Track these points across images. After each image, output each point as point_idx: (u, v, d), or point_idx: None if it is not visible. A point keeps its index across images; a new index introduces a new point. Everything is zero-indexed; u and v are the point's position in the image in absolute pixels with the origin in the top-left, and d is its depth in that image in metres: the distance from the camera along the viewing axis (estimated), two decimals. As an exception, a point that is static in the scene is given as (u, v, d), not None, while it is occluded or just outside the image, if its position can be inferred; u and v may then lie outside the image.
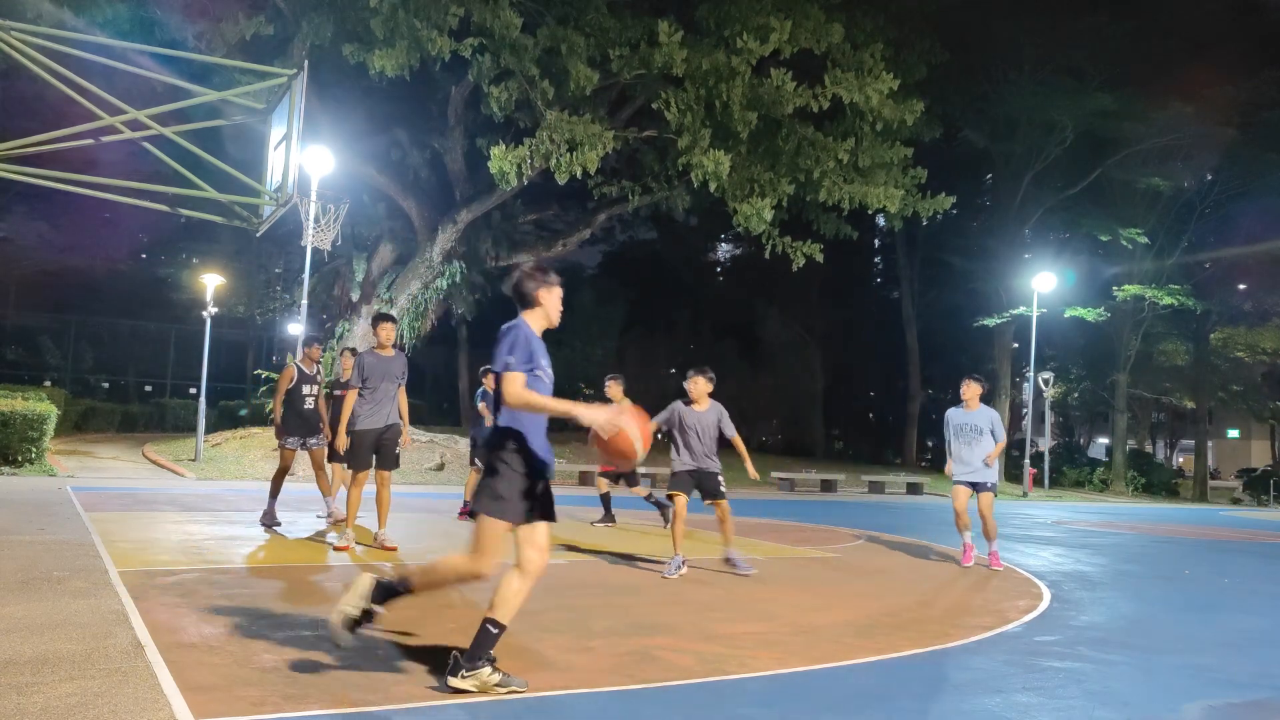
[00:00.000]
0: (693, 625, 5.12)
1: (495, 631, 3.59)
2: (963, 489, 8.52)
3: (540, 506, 3.70)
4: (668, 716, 3.49)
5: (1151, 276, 29.58)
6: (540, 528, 3.72)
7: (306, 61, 10.42)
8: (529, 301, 3.87)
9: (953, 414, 8.69)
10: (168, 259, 34.01)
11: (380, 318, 7.58)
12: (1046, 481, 28.94)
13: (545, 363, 3.79)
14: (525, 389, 3.60)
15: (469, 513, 10.33)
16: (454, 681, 3.54)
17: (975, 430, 8.45)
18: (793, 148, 18.58)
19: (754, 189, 18.28)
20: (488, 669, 3.57)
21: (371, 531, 7.87)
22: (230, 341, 33.92)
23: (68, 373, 30.70)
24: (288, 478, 8.79)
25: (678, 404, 7.25)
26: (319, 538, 8.14)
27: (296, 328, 16.93)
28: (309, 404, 8.82)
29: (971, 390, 8.59)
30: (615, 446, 3.61)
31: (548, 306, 3.90)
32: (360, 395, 7.40)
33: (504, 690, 3.55)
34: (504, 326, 3.76)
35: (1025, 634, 5.37)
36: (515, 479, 3.64)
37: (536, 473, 3.69)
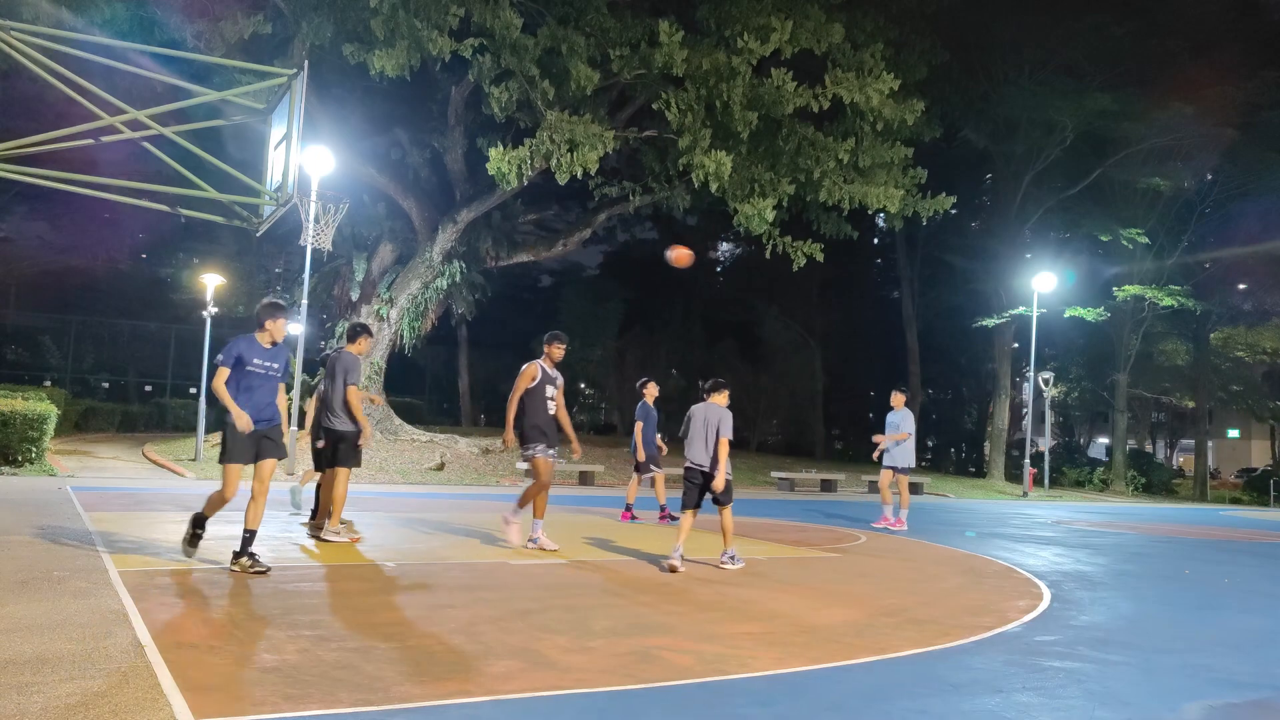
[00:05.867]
0: (693, 625, 5.12)
1: None
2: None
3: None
4: (668, 716, 3.49)
5: (1151, 276, 29.58)
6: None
7: (306, 61, 10.42)
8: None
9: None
10: (168, 259, 34.00)
11: (365, 330, 7.97)
12: (1046, 481, 28.95)
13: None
14: None
15: (670, 516, 10.77)
16: None
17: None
18: (793, 148, 18.59)
19: (754, 189, 18.28)
20: None
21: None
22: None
23: (68, 373, 30.68)
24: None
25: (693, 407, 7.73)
26: (316, 535, 8.13)
27: (296, 327, 16.92)
28: (551, 409, 7.81)
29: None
30: None
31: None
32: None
33: None
34: None
35: (1025, 634, 5.37)
36: None
37: None
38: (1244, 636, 5.77)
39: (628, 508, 11.24)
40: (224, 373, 6.23)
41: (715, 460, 7.23)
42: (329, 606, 5.15)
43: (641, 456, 10.80)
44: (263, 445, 6.25)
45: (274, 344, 6.35)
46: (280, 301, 6.58)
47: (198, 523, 6.33)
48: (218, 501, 6.25)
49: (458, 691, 3.60)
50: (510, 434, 7.71)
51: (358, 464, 7.83)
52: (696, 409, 7.57)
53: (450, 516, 10.77)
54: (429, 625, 4.76)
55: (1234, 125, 26.58)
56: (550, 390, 7.78)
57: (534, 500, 7.75)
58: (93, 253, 28.94)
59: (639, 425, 10.84)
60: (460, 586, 6.04)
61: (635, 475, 11.14)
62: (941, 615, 5.83)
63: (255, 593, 5.43)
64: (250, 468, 6.21)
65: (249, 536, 6.13)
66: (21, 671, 3.55)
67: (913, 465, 12.36)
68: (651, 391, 11.04)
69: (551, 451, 7.74)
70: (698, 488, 7.33)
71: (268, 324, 6.29)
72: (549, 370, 7.84)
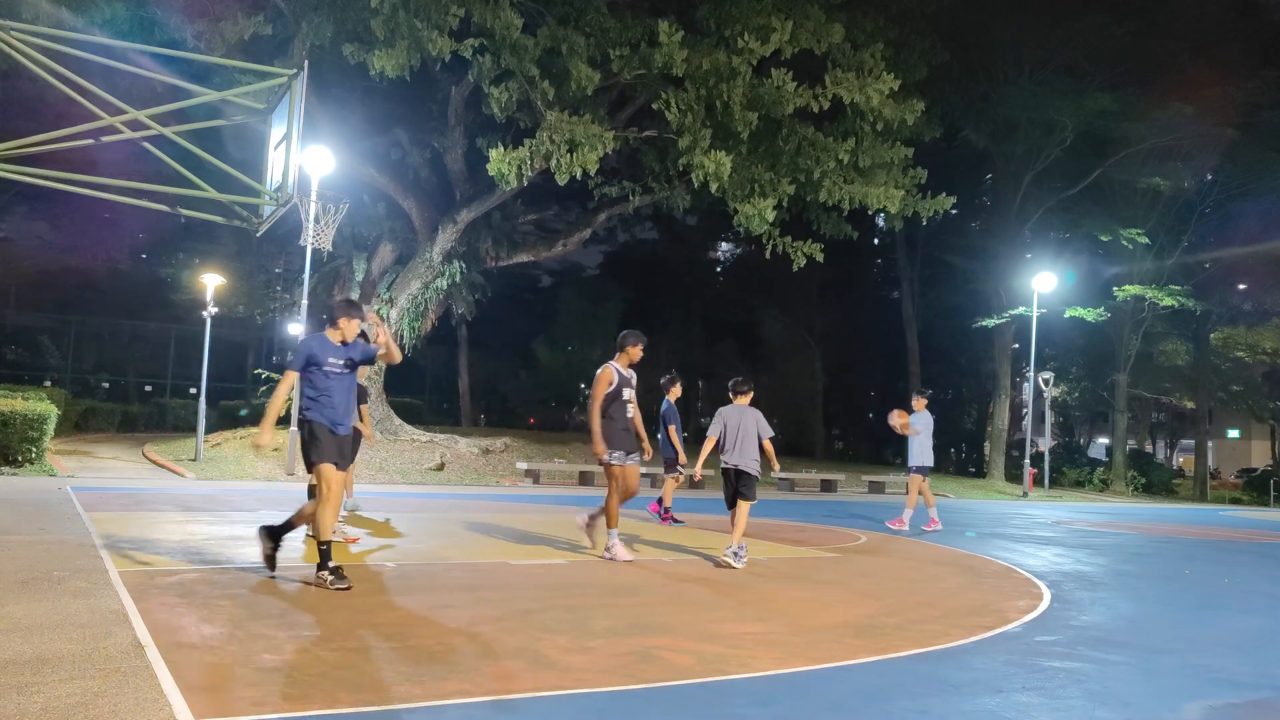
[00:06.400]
0: (693, 625, 5.12)
1: None
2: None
3: None
4: (668, 716, 3.49)
5: (1151, 276, 29.57)
6: None
7: (306, 61, 10.43)
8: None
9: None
10: (168, 259, 34.01)
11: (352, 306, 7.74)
12: (1046, 481, 28.94)
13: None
14: None
15: (672, 518, 10.77)
16: None
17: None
18: (793, 148, 18.58)
19: (754, 189, 18.28)
20: None
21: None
22: (230, 341, 33.90)
23: (68, 373, 30.69)
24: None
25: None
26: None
27: (297, 328, 16.94)
28: (630, 412, 7.47)
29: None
30: None
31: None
32: None
33: None
34: None
35: (1025, 634, 5.37)
36: None
37: None
38: (1244, 636, 5.77)
39: (666, 510, 10.97)
40: (290, 376, 5.87)
41: (763, 457, 7.62)
42: (329, 606, 5.14)
43: (684, 459, 10.68)
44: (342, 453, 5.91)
45: (344, 342, 5.96)
46: (354, 299, 6.36)
47: (322, 559, 5.73)
48: (329, 507, 5.77)
49: (458, 691, 3.60)
50: (600, 445, 7.20)
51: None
52: (729, 413, 7.64)
53: (450, 517, 10.77)
54: (429, 625, 4.77)
55: (1234, 125, 26.57)
56: (627, 393, 7.38)
57: (610, 510, 7.41)
58: (93, 253, 28.94)
59: (672, 427, 10.69)
60: (461, 586, 6.04)
61: (668, 476, 10.95)
62: (941, 615, 5.83)
63: (255, 593, 5.43)
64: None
65: (287, 527, 5.98)
66: (21, 671, 3.55)
67: (927, 464, 12.23)
68: (676, 391, 10.86)
69: (633, 458, 7.38)
70: (733, 486, 7.65)
71: (341, 322, 5.90)
72: (624, 372, 7.39)
